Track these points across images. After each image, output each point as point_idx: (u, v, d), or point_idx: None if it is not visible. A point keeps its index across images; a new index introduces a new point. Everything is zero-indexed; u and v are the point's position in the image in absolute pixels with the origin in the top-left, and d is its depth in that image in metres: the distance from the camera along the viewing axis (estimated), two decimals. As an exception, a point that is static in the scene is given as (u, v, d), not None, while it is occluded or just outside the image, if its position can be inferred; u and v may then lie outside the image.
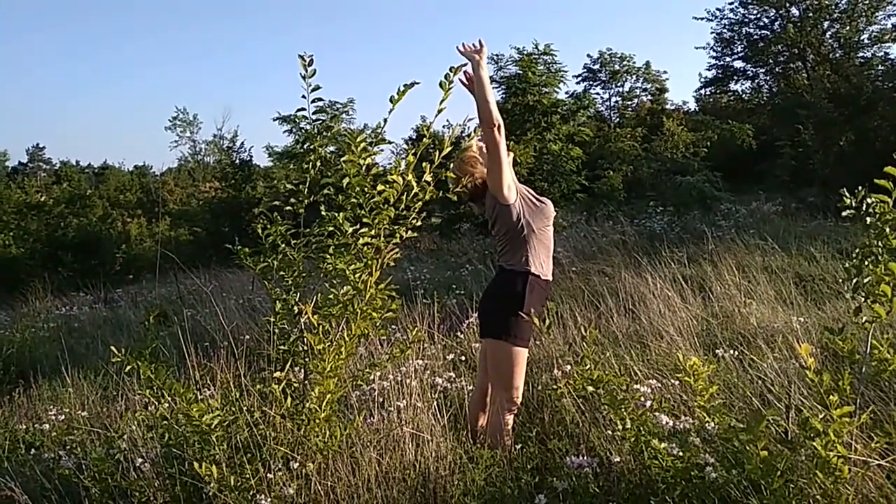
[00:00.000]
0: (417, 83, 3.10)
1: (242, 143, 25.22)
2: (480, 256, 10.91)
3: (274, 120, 15.50)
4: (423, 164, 3.01)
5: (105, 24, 64.79)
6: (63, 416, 4.32)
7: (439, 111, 2.98)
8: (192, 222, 17.79)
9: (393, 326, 5.21)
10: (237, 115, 75.38)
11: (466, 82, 3.22)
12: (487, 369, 3.18)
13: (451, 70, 3.01)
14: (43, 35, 64.25)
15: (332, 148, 12.29)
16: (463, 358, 4.57)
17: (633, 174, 13.97)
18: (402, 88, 3.08)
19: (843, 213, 2.51)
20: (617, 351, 4.14)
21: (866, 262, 2.40)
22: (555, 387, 3.29)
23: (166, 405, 2.71)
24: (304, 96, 3.10)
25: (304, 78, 3.09)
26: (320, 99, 3.11)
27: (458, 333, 5.25)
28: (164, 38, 65.83)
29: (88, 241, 15.64)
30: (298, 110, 3.12)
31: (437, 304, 5.93)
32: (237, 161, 18.59)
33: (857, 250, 2.44)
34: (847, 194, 2.50)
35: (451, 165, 3.27)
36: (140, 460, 2.79)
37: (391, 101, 3.07)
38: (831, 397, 1.89)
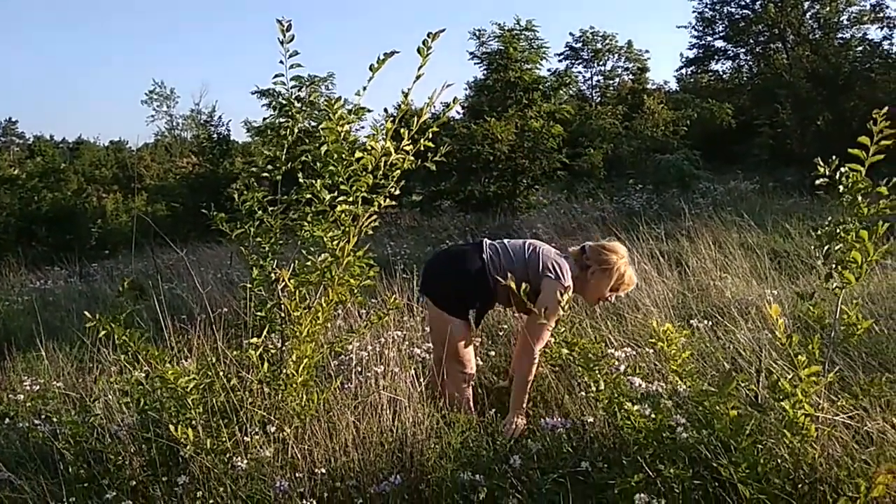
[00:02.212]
0: (397, 52, 3.07)
1: (220, 118, 24.87)
2: (461, 232, 10.92)
3: (252, 93, 15.27)
4: (402, 130, 2.99)
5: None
6: (38, 387, 4.28)
7: (417, 77, 2.95)
8: (169, 197, 17.53)
9: (373, 300, 5.22)
10: (215, 90, 74.08)
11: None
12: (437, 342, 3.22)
13: (429, 36, 2.99)
14: (14, 7, 62.57)
15: (312, 123, 12.17)
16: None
17: (614, 152, 14.01)
18: (381, 57, 3.06)
19: (817, 182, 2.54)
20: (593, 322, 4.19)
21: (838, 230, 2.44)
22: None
23: (142, 371, 2.69)
24: (281, 62, 3.06)
25: (282, 43, 3.05)
26: (299, 65, 3.08)
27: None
28: (141, 10, 64.41)
29: (63, 215, 15.36)
30: (276, 76, 3.08)
31: (417, 277, 5.94)
32: (215, 136, 18.32)
33: (829, 218, 2.48)
34: (821, 163, 2.53)
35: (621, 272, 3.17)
36: (115, 427, 2.78)
37: (371, 69, 3.04)
38: (799, 357, 1.93)
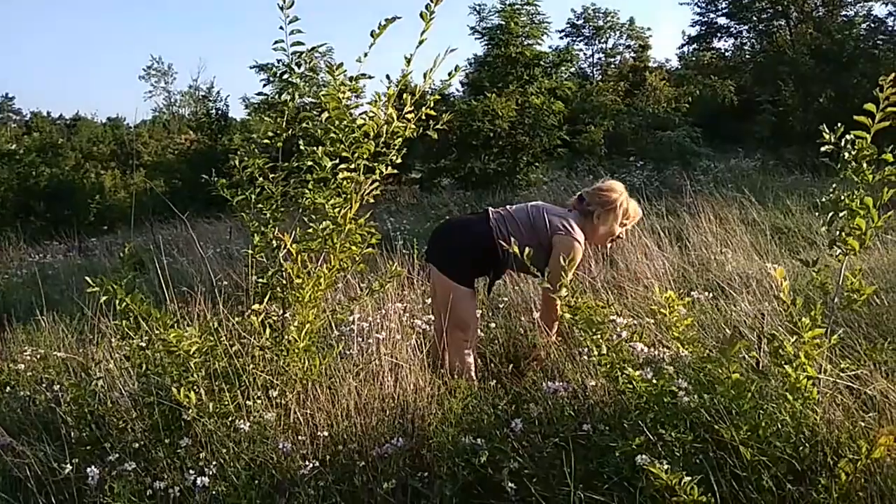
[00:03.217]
0: (399, 17, 3.04)
1: (218, 93, 24.67)
2: (461, 209, 10.89)
3: (251, 68, 15.18)
4: (405, 97, 2.97)
5: (74, -31, 62.37)
6: (38, 357, 4.29)
7: (420, 42, 2.92)
8: (167, 174, 17.47)
9: (372, 274, 5.21)
10: (213, 66, 73.56)
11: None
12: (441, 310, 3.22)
13: (432, 1, 2.95)
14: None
15: (311, 99, 12.08)
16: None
17: (615, 129, 13.93)
18: (382, 23, 3.02)
19: (822, 150, 2.52)
20: (595, 295, 4.19)
21: (842, 197, 2.43)
22: (533, 323, 3.34)
23: (144, 337, 2.69)
24: (281, 27, 3.03)
25: (281, 9, 3.01)
26: (300, 31, 3.03)
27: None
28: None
29: (61, 190, 15.34)
30: (276, 42, 3.04)
31: (418, 252, 5.94)
32: (213, 111, 18.21)
33: (833, 185, 2.47)
34: (827, 130, 2.51)
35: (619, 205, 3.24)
36: (117, 393, 2.79)
37: (372, 35, 3.01)
38: (803, 319, 1.93)
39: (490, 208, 3.30)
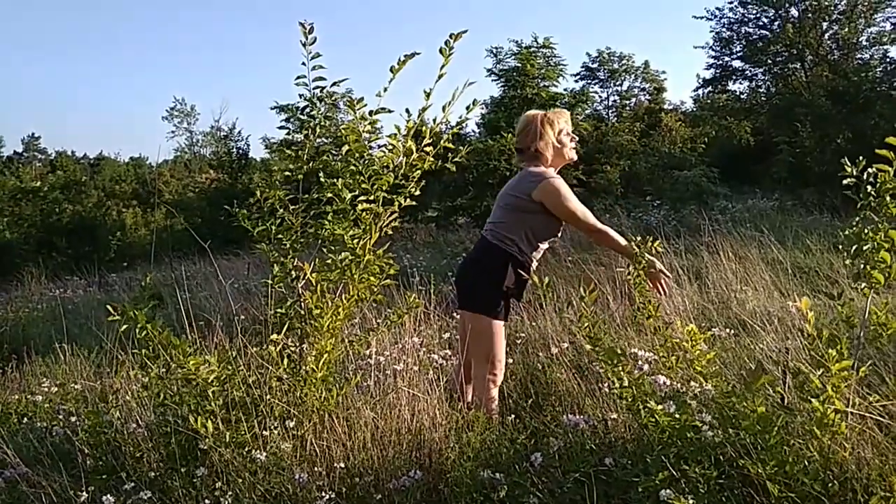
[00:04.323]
0: (418, 53, 3.10)
1: (240, 132, 25.18)
2: (477, 247, 10.90)
3: (272, 108, 15.49)
4: (424, 129, 3.00)
5: (103, 16, 64.54)
6: (56, 389, 4.30)
7: (440, 76, 2.97)
8: (187, 211, 17.74)
9: (388, 310, 5.21)
10: (235, 108, 75.16)
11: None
12: (469, 343, 3.16)
13: (451, 36, 3.01)
14: (39, 26, 64.00)
15: (327, 139, 12.29)
16: (458, 338, 4.57)
17: (631, 169, 13.98)
18: (402, 58, 3.08)
19: (844, 182, 2.51)
20: (614, 330, 4.15)
21: (866, 231, 2.40)
22: (551, 358, 3.29)
23: (162, 366, 2.69)
24: (303, 63, 3.09)
25: (303, 45, 3.07)
26: (321, 66, 3.09)
27: (455, 314, 5.25)
28: (164, 30, 65.57)
29: (83, 227, 15.59)
30: (298, 77, 3.10)
31: (433, 288, 5.93)
32: (234, 150, 18.55)
33: (856, 218, 2.44)
34: (849, 164, 2.50)
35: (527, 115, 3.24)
36: (134, 422, 2.78)
37: (391, 70, 3.06)
38: (830, 351, 1.89)
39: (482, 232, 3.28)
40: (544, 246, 3.16)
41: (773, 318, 4.29)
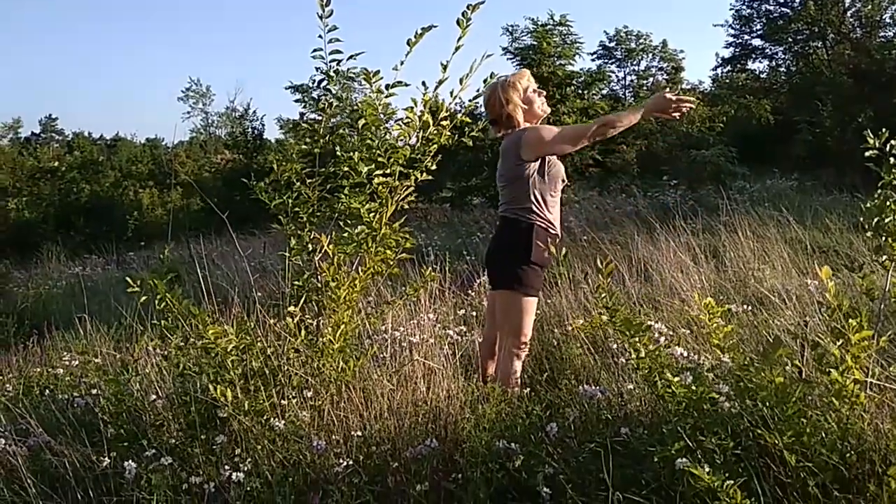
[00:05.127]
0: (435, 26, 3.07)
1: (255, 112, 25.21)
2: (491, 226, 10.89)
3: (286, 88, 15.51)
4: (441, 102, 2.99)
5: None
6: (76, 362, 4.36)
7: (457, 48, 2.95)
8: (203, 191, 17.85)
9: (403, 287, 5.23)
10: (250, 89, 75.17)
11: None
12: (496, 318, 3.17)
13: (468, 7, 2.98)
14: (55, 6, 64.14)
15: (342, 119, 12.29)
16: (474, 314, 4.59)
17: (648, 148, 13.84)
18: (419, 31, 3.06)
19: (867, 154, 2.47)
20: (631, 309, 4.13)
21: (888, 202, 2.37)
22: (567, 331, 3.29)
23: (182, 336, 2.72)
24: (320, 36, 3.07)
25: (320, 18, 3.06)
26: (338, 39, 3.07)
27: (469, 292, 5.26)
28: (180, 8, 65.49)
29: (101, 206, 15.76)
30: (314, 50, 3.09)
31: (448, 266, 5.94)
32: (250, 130, 18.59)
33: (878, 190, 2.41)
34: (871, 135, 2.46)
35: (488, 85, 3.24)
36: (154, 396, 2.82)
37: (408, 43, 3.04)
38: (850, 321, 1.87)
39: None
40: (558, 197, 3.17)
41: (792, 295, 4.26)
